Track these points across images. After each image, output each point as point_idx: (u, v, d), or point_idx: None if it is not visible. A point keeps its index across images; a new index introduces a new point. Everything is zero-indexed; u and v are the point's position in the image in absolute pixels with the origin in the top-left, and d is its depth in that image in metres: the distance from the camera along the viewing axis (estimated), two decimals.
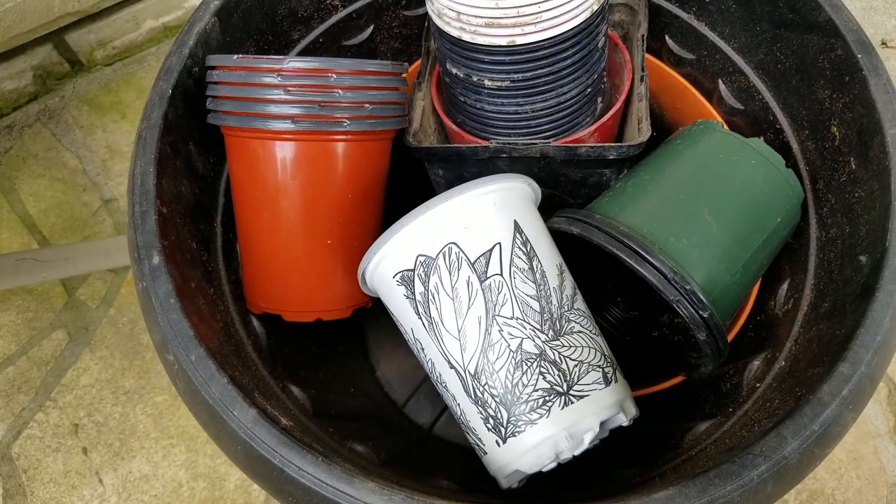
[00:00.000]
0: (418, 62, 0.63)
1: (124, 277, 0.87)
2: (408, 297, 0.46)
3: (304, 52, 0.63)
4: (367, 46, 0.68)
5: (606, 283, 0.61)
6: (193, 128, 0.54)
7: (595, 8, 0.52)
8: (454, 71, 0.55)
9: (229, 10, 0.55)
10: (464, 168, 0.58)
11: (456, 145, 0.57)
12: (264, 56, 0.51)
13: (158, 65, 0.88)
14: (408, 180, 0.61)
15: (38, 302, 0.86)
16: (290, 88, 0.48)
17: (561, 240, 0.50)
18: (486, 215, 0.46)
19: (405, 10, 0.68)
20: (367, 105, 0.50)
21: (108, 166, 0.95)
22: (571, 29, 0.51)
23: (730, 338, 0.56)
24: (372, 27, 0.67)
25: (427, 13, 0.55)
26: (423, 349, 0.47)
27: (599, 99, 0.60)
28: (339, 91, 0.48)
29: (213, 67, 0.51)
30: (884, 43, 1.03)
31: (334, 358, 0.67)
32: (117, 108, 1.00)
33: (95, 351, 0.83)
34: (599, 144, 0.54)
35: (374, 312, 0.59)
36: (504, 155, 0.55)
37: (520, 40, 0.51)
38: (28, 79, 0.99)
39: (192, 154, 0.54)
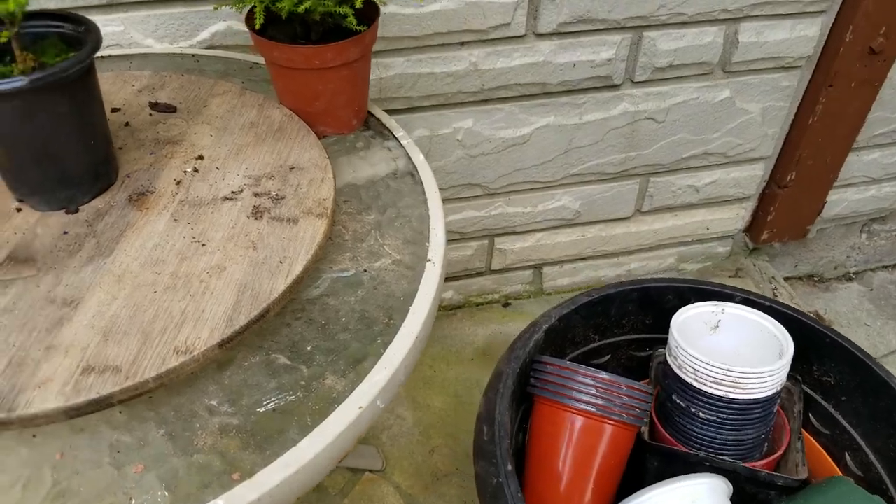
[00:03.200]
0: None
1: (360, 476, 1.15)
2: None
3: (573, 361, 0.97)
4: (603, 364, 1.02)
5: None
6: (517, 393, 0.87)
7: (779, 387, 0.85)
8: (678, 401, 0.88)
9: (551, 331, 0.91)
10: (674, 466, 0.87)
11: (680, 449, 0.87)
12: (582, 365, 0.85)
13: None
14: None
15: None
16: (599, 388, 0.81)
17: None
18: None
19: (633, 351, 1.03)
20: (636, 408, 0.82)
21: None
22: (764, 396, 0.83)
23: None
24: (609, 356, 1.02)
25: (650, 356, 0.90)
26: None
27: (766, 443, 0.90)
28: (626, 397, 0.81)
29: (543, 362, 0.85)
30: None
31: None
32: None
33: None
34: (775, 473, 0.83)
35: None
36: (707, 463, 0.85)
37: (732, 395, 0.83)
38: None
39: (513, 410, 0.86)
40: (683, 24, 1.14)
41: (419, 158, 0.77)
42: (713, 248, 1.53)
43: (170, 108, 0.77)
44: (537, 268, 1.45)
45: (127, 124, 0.74)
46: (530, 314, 1.46)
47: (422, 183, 0.74)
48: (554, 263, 1.45)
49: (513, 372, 0.84)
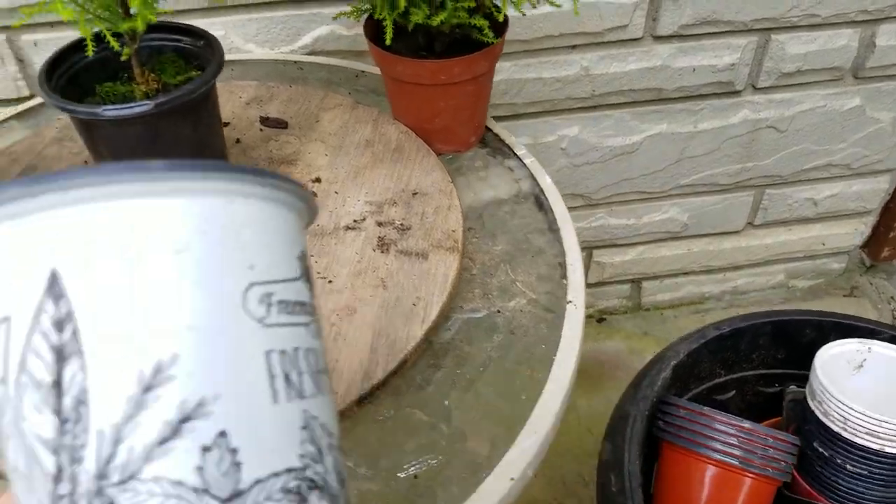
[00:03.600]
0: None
1: None
2: None
3: (696, 399, 0.90)
4: (728, 401, 0.94)
5: None
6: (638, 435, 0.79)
7: None
8: (820, 449, 0.79)
9: (678, 367, 0.83)
10: None
11: (823, 503, 0.79)
12: (719, 411, 0.77)
13: None
14: None
15: None
16: (739, 437, 0.74)
17: None
18: None
19: (761, 387, 0.95)
20: (780, 461, 0.74)
21: None
22: None
23: None
24: (734, 392, 0.94)
25: (781, 392, 0.81)
26: None
27: None
28: (770, 448, 0.73)
29: (674, 405, 0.78)
30: None
31: None
32: None
33: None
34: None
35: None
36: None
37: (889, 449, 0.74)
38: None
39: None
40: (816, 26, 1.04)
41: (546, 181, 0.70)
42: (826, 264, 1.42)
43: (281, 124, 0.72)
44: (636, 282, 1.37)
45: (238, 141, 0.70)
46: (626, 331, 1.38)
47: (551, 210, 0.67)
48: (654, 278, 1.36)
49: (641, 414, 0.77)
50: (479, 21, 0.61)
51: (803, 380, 0.85)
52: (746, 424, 0.76)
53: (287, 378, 0.22)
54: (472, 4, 0.60)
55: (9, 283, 0.21)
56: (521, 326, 0.57)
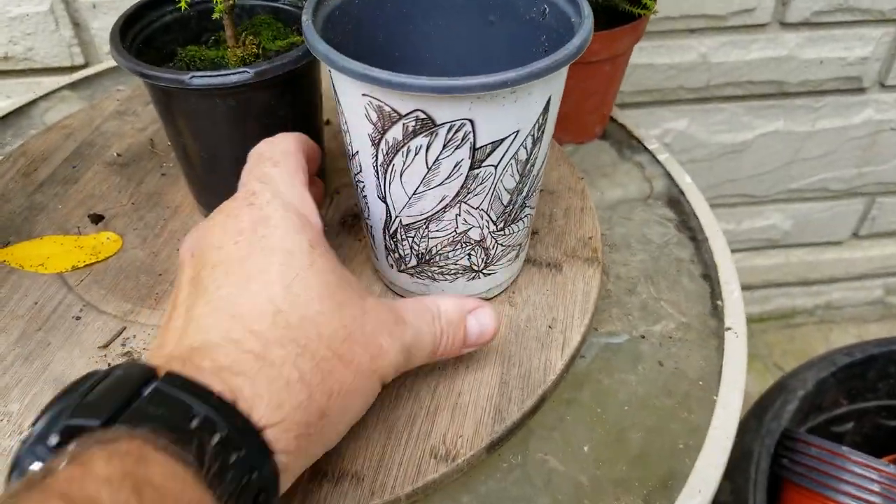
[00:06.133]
0: None
1: None
2: (375, 127, 0.36)
3: (812, 432, 0.79)
4: (844, 433, 0.83)
5: None
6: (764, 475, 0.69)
7: None
8: None
9: (806, 397, 0.73)
10: None
11: None
12: (858, 452, 0.67)
13: None
14: None
15: None
16: (881, 483, 0.63)
17: None
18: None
19: (883, 419, 0.84)
20: None
21: None
22: None
23: None
24: (853, 423, 0.83)
25: None
26: (355, 155, 0.40)
27: None
28: None
29: (804, 441, 0.68)
30: None
31: None
32: None
33: None
34: None
35: None
36: None
37: None
38: None
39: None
40: None
41: (685, 181, 0.60)
42: None
43: None
44: None
45: (328, 122, 0.61)
46: None
47: (694, 215, 0.57)
48: (746, 289, 1.25)
49: (766, 451, 0.67)
50: None
51: None
52: (890, 469, 0.65)
53: None
54: None
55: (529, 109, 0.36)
56: (672, 356, 0.47)
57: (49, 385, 0.41)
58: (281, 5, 0.50)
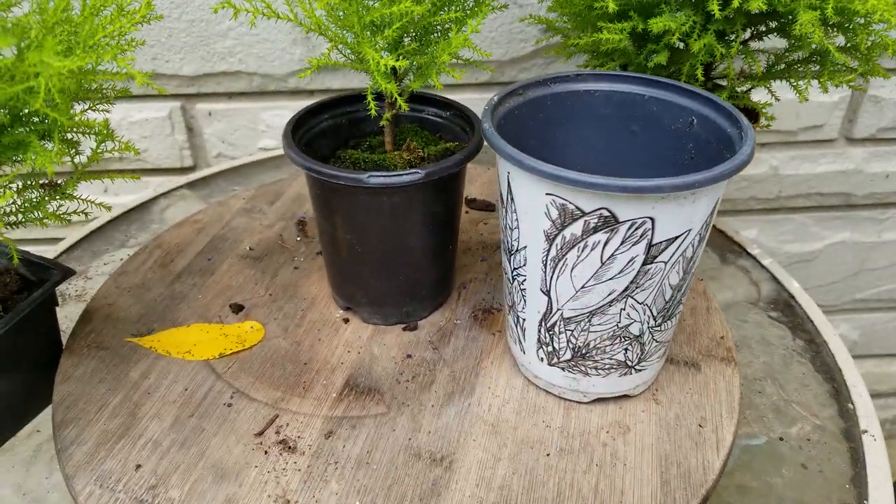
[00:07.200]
0: None
1: None
2: (553, 224, 0.39)
3: None
4: None
5: None
6: None
7: None
8: None
9: None
10: None
11: None
12: None
13: None
14: None
15: None
16: None
17: None
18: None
19: None
20: None
21: None
22: None
23: None
24: None
25: None
26: (521, 250, 0.42)
27: None
28: None
29: None
30: None
31: None
32: None
33: None
34: None
35: None
36: None
37: None
38: None
39: None
40: None
41: (794, 286, 0.61)
42: None
43: (488, 207, 0.66)
44: None
45: None
46: None
47: (808, 318, 0.58)
48: None
49: None
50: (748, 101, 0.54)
51: None
52: None
53: None
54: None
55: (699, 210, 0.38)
56: (814, 459, 0.47)
57: (208, 472, 0.42)
58: (426, 116, 0.54)
